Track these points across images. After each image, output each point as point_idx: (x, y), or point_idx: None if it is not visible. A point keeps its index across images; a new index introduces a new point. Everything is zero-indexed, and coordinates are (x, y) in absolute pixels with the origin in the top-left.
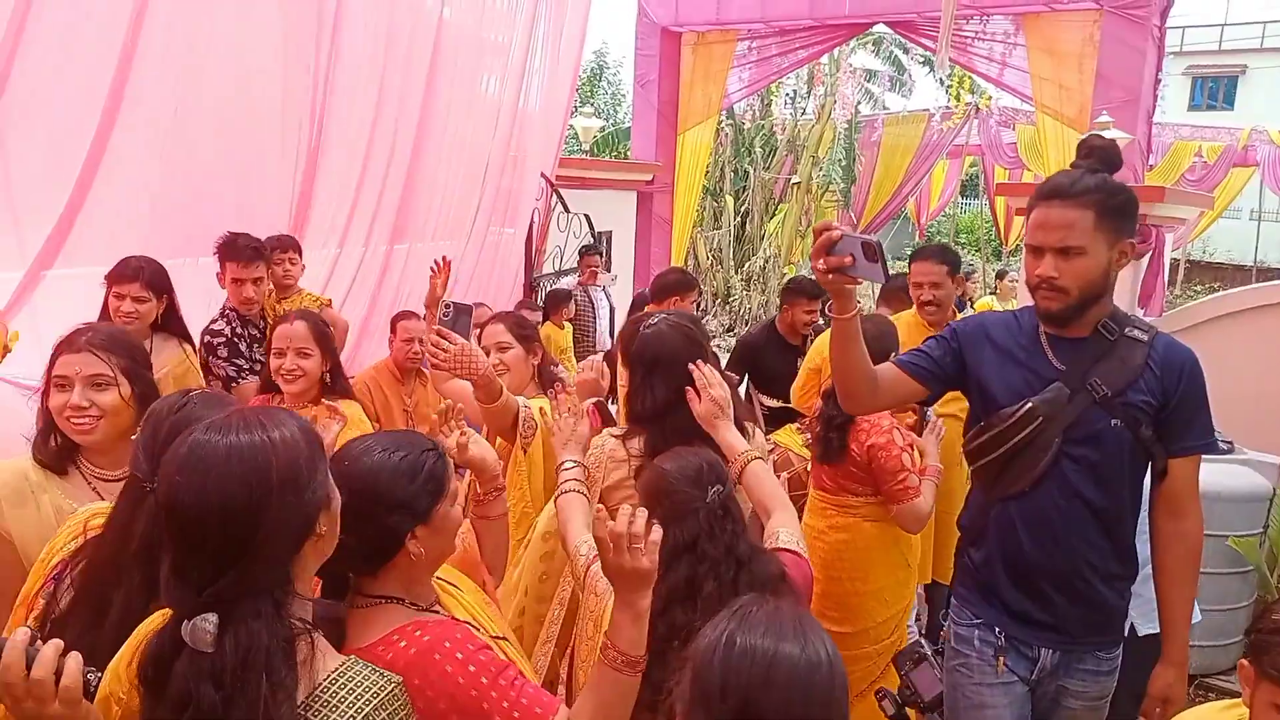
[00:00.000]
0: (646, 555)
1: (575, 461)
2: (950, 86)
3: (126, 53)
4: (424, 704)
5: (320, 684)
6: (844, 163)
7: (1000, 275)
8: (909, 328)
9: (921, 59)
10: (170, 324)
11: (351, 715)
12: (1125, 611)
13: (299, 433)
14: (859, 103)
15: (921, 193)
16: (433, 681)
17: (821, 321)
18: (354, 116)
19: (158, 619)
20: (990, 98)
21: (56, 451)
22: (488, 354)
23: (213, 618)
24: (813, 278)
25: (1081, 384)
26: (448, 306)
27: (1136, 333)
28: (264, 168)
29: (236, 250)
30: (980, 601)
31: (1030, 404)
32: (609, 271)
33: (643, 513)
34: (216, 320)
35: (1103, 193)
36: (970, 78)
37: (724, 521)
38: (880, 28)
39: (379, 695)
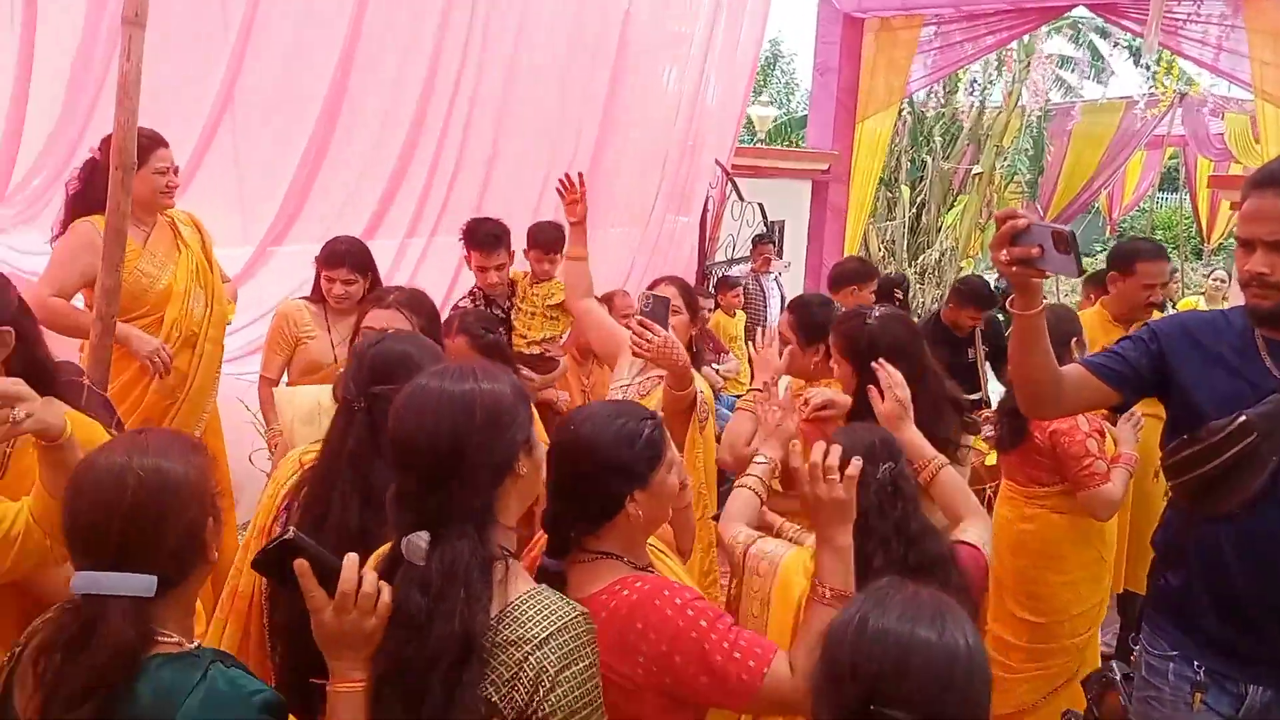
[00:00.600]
0: (844, 488)
1: (768, 459)
2: (1156, 73)
3: (346, 54)
4: (647, 646)
5: (512, 602)
6: (1031, 152)
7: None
8: (1093, 328)
9: (1123, 44)
10: None
11: (535, 631)
12: None
13: (507, 385)
14: (1050, 90)
15: (1115, 186)
16: (654, 625)
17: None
18: (541, 107)
19: (385, 548)
20: (1199, 85)
21: None
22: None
23: (425, 535)
24: (987, 280)
25: None
26: (648, 298)
27: None
28: (452, 158)
29: (477, 239)
30: (1177, 631)
31: (1244, 417)
32: (781, 258)
33: (837, 448)
34: (463, 298)
35: None
36: (1175, 63)
37: (894, 499)
38: (1079, 10)
39: (564, 619)
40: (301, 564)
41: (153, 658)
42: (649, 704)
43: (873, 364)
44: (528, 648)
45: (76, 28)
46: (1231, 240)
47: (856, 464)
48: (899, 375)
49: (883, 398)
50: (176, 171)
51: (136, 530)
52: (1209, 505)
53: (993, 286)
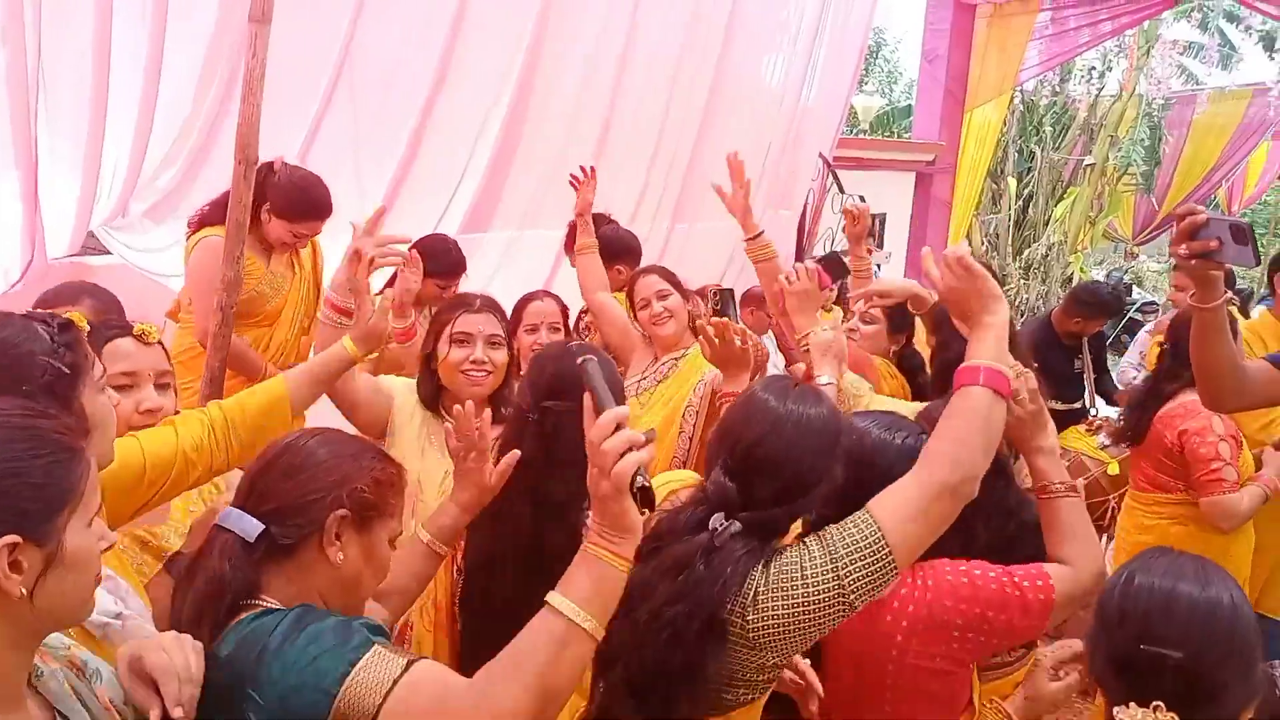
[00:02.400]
0: (1030, 400)
1: (830, 380)
2: None
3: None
4: (960, 618)
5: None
6: (1147, 143)
7: None
8: (1264, 333)
9: (1253, 29)
10: None
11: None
12: None
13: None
14: (1171, 77)
15: (1236, 178)
16: (961, 597)
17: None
18: (648, 98)
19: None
20: None
21: (433, 393)
22: (647, 305)
23: (737, 525)
24: (1107, 286)
25: None
26: (716, 294)
27: None
28: (564, 149)
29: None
30: None
31: None
32: (882, 249)
33: (964, 243)
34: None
35: None
36: None
37: (994, 478)
38: None
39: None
40: (587, 399)
41: (248, 614)
42: (958, 678)
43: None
44: None
45: (206, 25)
46: None
47: (963, 247)
48: (1029, 376)
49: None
50: (315, 232)
51: (263, 480)
52: None
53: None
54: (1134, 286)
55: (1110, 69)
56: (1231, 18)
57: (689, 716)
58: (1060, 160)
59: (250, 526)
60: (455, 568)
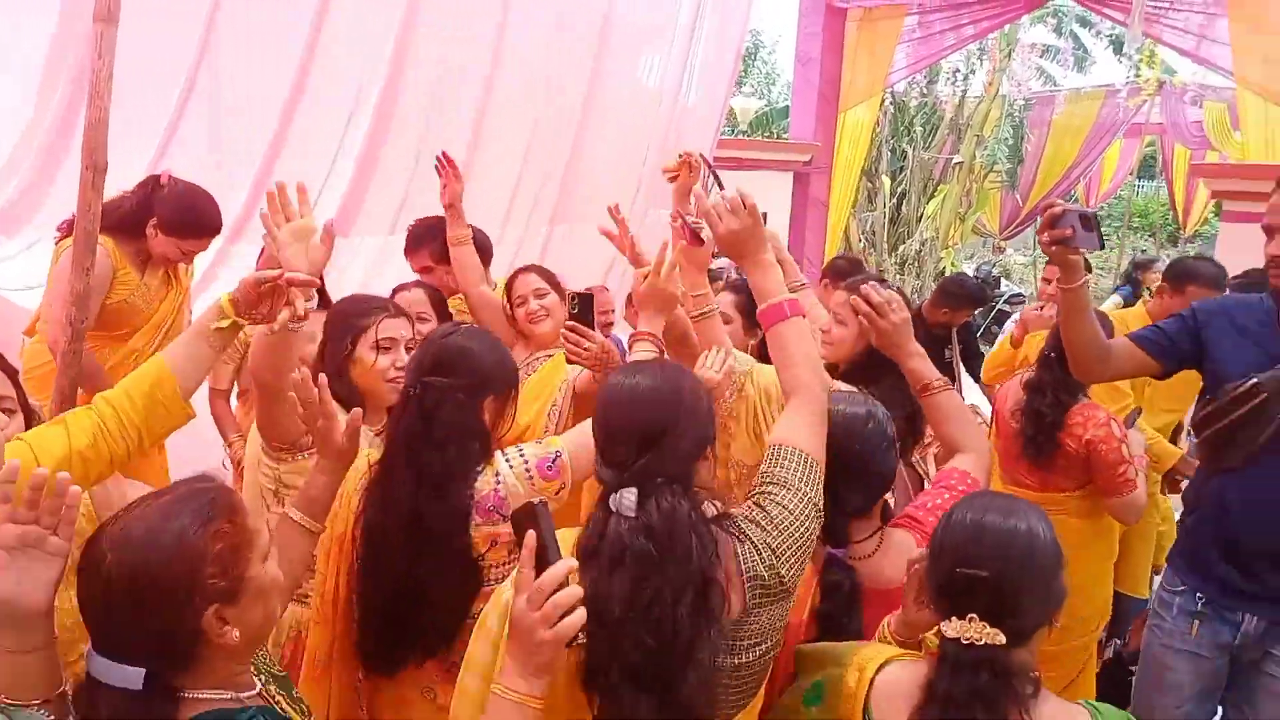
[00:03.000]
0: (898, 309)
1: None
2: (1139, 61)
3: (310, 43)
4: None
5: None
6: (1010, 142)
7: (1141, 266)
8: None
9: (1105, 34)
10: None
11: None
12: None
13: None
14: (1030, 79)
15: (1092, 174)
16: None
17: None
18: (518, 103)
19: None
20: (1177, 74)
21: (349, 398)
22: (524, 302)
23: (631, 491)
24: (972, 278)
25: None
26: (574, 297)
27: None
28: (432, 151)
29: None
30: (1186, 569)
31: (1255, 380)
32: None
33: (888, 291)
34: None
35: None
36: (1155, 51)
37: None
38: (1060, 0)
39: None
40: (530, 537)
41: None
42: None
43: (862, 288)
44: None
45: (48, 25)
46: (1207, 226)
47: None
48: (896, 297)
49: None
50: (203, 248)
51: (110, 615)
52: (1223, 458)
53: (981, 279)
54: (1002, 279)
55: (974, 71)
56: (1084, 22)
57: (694, 695)
58: (930, 159)
59: (132, 676)
60: (355, 550)
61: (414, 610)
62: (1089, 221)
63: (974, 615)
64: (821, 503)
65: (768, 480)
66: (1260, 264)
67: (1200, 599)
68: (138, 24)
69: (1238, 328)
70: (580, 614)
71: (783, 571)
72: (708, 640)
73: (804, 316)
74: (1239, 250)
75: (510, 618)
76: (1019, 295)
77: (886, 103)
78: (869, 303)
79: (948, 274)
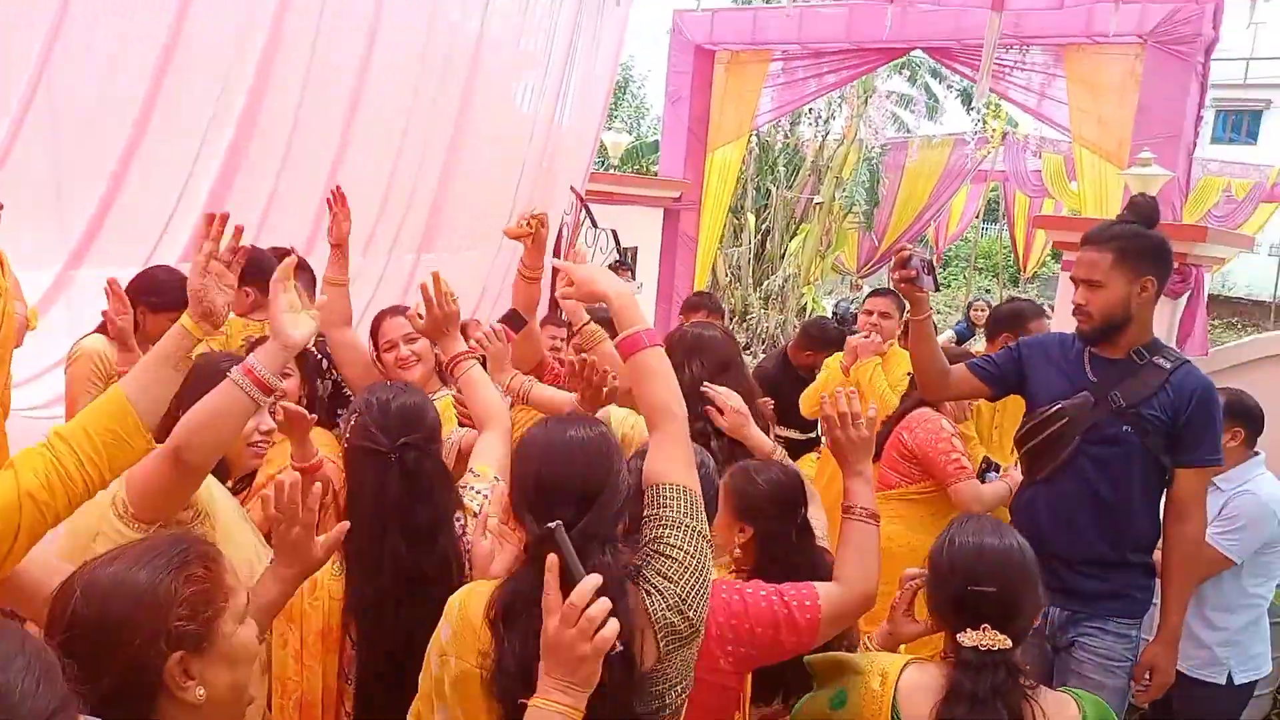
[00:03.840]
0: (865, 428)
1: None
2: (984, 114)
3: (166, 52)
4: (733, 634)
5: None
6: (868, 185)
7: (973, 305)
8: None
9: (955, 87)
10: None
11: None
12: (1139, 587)
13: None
14: (886, 125)
15: (941, 217)
16: (733, 613)
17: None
18: (384, 126)
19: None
20: (1020, 126)
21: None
22: (394, 347)
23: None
24: (830, 322)
25: (1104, 395)
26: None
27: (1162, 360)
28: (292, 175)
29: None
30: None
31: (1059, 405)
32: (634, 279)
33: (854, 392)
34: None
35: (1125, 238)
36: (1000, 105)
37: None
38: (916, 53)
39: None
40: (552, 560)
41: None
42: (730, 693)
43: (701, 388)
44: None
45: None
46: (1044, 269)
47: (873, 410)
48: (729, 391)
49: (721, 414)
50: None
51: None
52: (1034, 471)
53: (835, 318)
54: (858, 315)
55: (835, 115)
56: (936, 74)
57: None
58: (793, 198)
59: None
60: (346, 634)
61: (412, 665)
62: (929, 266)
63: (986, 625)
64: (708, 530)
65: (657, 523)
66: None
67: None
68: None
69: (1052, 361)
70: (614, 625)
71: (691, 615)
72: (635, 690)
73: (661, 346)
74: None
75: (545, 640)
76: None
77: (752, 142)
78: (838, 410)
79: (809, 309)
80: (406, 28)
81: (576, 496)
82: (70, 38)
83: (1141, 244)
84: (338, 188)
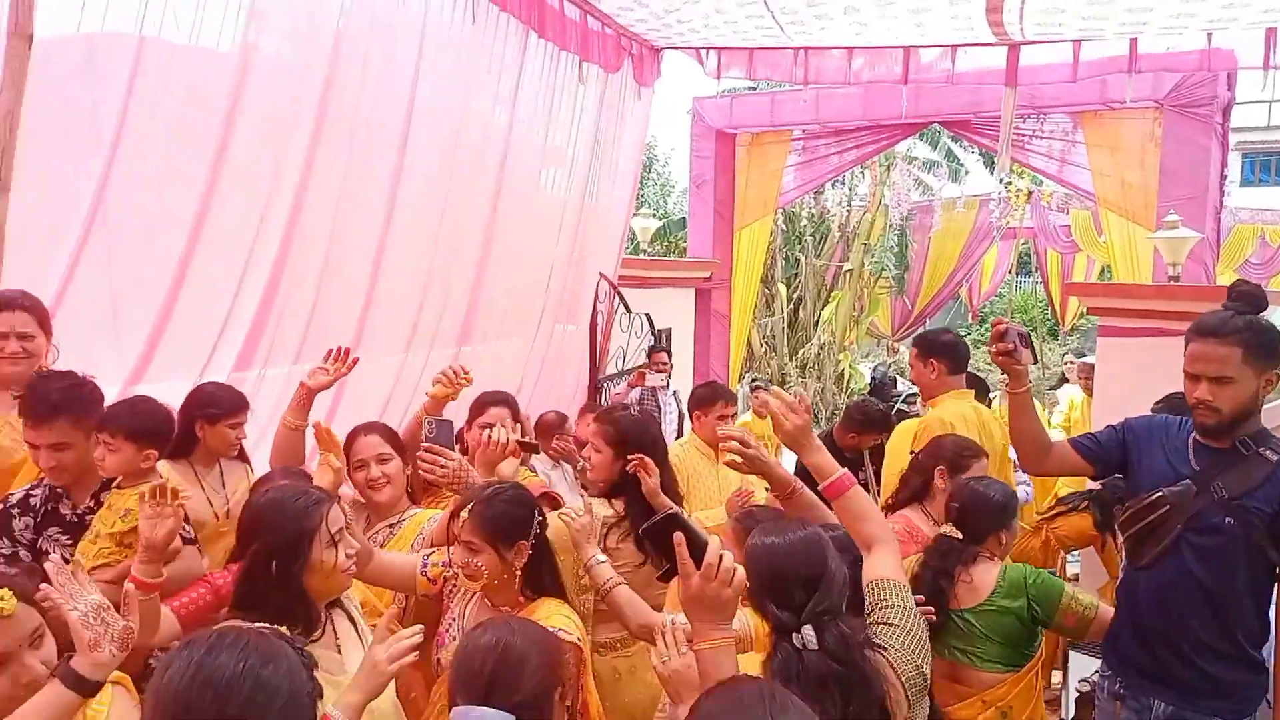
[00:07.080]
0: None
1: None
2: (1009, 178)
3: (214, 172)
4: None
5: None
6: (896, 249)
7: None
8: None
9: (975, 152)
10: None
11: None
12: (1246, 684)
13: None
14: (910, 190)
15: (974, 275)
16: None
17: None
18: (420, 224)
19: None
20: (1045, 184)
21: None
22: (365, 466)
23: (809, 628)
24: (872, 405)
25: (1207, 485)
26: (431, 423)
27: (1269, 452)
28: (333, 277)
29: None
30: (1110, 653)
31: (1160, 493)
32: (669, 361)
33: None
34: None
35: (1249, 331)
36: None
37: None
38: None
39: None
40: (679, 535)
41: None
42: None
43: (759, 390)
44: None
45: None
46: (1084, 321)
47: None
48: (789, 397)
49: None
50: (21, 337)
51: (501, 672)
52: (1137, 557)
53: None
54: (898, 379)
55: (859, 182)
56: (956, 138)
57: None
58: (822, 266)
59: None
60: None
61: None
62: (1025, 337)
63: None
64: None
65: (880, 606)
66: (1145, 378)
67: (1119, 683)
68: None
69: (1159, 444)
70: (742, 571)
71: (925, 669)
72: None
73: (859, 485)
74: (1117, 362)
75: (688, 596)
76: (915, 394)
77: (778, 214)
78: (782, 400)
79: (846, 375)
80: (438, 126)
81: (803, 582)
82: (124, 163)
83: (1266, 337)
84: (346, 350)
